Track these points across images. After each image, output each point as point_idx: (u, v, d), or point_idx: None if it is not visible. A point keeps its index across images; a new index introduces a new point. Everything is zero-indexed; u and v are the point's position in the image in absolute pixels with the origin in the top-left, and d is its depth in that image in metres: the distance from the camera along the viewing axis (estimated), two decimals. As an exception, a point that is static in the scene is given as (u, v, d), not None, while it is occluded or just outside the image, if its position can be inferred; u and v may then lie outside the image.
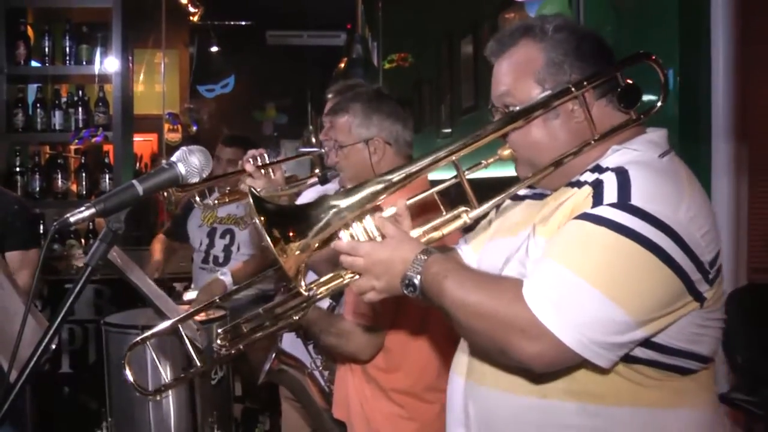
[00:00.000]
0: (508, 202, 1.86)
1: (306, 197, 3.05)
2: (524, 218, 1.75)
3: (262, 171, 2.68)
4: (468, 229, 1.86)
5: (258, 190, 2.56)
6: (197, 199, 2.88)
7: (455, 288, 1.54)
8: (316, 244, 1.62)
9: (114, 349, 3.56)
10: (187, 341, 2.09)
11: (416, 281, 1.58)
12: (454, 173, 1.70)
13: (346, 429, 2.53)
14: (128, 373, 1.94)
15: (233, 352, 1.87)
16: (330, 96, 3.07)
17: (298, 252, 1.58)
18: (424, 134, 7.23)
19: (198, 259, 4.56)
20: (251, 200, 1.59)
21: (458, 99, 6.19)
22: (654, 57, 1.78)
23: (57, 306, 1.44)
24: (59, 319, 1.42)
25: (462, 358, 1.78)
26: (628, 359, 1.53)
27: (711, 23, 2.98)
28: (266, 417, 4.68)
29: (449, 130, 6.53)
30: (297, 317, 1.83)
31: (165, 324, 2.05)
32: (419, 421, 2.43)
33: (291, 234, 1.57)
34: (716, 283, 1.56)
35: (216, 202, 2.97)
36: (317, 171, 2.96)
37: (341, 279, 1.69)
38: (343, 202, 1.63)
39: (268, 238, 1.54)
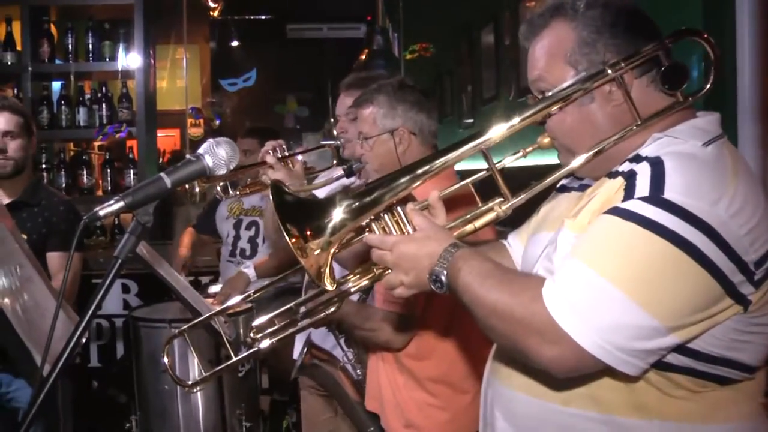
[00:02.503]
0: (556, 193, 1.80)
1: (324, 192, 3.05)
2: (566, 210, 1.65)
3: (282, 163, 2.70)
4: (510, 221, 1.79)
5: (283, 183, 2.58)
6: (219, 191, 2.90)
7: (477, 285, 1.48)
8: (338, 242, 1.57)
9: (142, 342, 3.60)
10: (224, 335, 2.10)
11: (443, 277, 1.52)
12: (495, 161, 1.65)
13: (380, 421, 2.54)
14: (167, 363, 1.94)
15: (267, 347, 1.85)
16: (342, 91, 3.07)
17: (318, 251, 1.54)
18: (445, 124, 7.22)
19: (225, 252, 4.58)
20: (272, 197, 1.57)
21: (479, 89, 6.16)
22: (704, 34, 1.63)
23: (85, 300, 1.45)
24: (90, 313, 1.43)
25: (492, 353, 1.75)
26: (660, 366, 1.43)
27: (736, 4, 2.94)
28: (293, 409, 4.69)
29: (471, 120, 6.51)
30: (329, 312, 1.82)
31: (201, 318, 2.06)
32: (451, 411, 2.43)
33: (309, 233, 1.53)
34: (765, 284, 1.41)
35: (237, 193, 2.99)
36: (335, 162, 2.97)
37: (372, 273, 1.67)
38: (360, 199, 1.58)
39: (288, 238, 1.51)
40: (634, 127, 1.54)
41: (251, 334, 1.83)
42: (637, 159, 1.48)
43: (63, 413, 2.95)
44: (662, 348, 1.38)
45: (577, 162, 1.59)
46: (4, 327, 1.85)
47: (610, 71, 1.53)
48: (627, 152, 1.53)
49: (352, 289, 1.71)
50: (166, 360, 2.04)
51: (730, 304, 1.39)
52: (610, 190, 1.49)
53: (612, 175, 1.53)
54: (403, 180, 1.60)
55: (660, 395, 1.46)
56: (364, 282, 1.68)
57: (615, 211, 1.40)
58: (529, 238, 1.80)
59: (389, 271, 1.60)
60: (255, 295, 2.10)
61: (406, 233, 1.60)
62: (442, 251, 1.53)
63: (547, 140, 1.65)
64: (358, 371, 2.75)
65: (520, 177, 1.66)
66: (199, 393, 3.37)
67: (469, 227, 1.63)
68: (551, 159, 1.71)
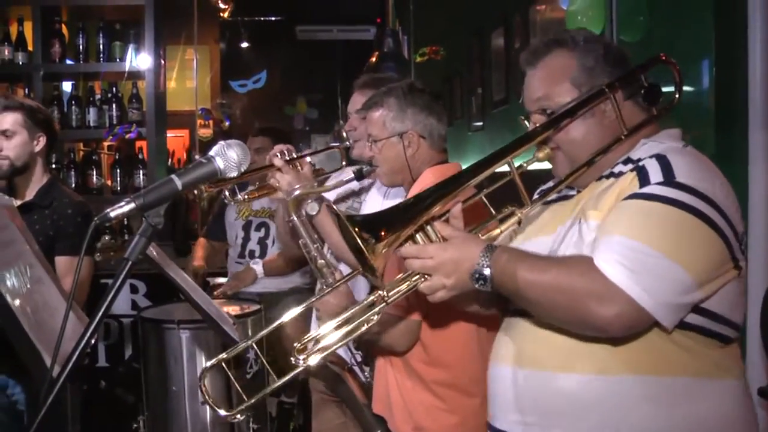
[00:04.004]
0: (534, 205, 1.95)
1: (333, 194, 3.04)
2: (556, 216, 1.90)
3: (290, 165, 2.70)
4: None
5: (287, 186, 2.60)
6: (227, 194, 2.89)
7: (528, 271, 1.67)
8: (398, 243, 1.72)
9: (150, 343, 3.61)
10: (263, 360, 2.14)
11: (486, 273, 1.69)
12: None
13: (387, 424, 2.54)
14: (206, 394, 1.93)
15: (312, 365, 1.83)
16: (356, 89, 3.06)
17: (385, 250, 1.68)
18: (455, 127, 7.21)
19: (234, 253, 4.58)
20: (339, 221, 1.71)
21: (489, 92, 6.14)
22: (665, 57, 1.98)
23: (93, 301, 1.45)
24: (100, 314, 1.43)
25: (506, 347, 1.88)
26: (682, 325, 1.67)
27: (748, 13, 2.93)
28: (300, 411, 4.70)
29: (480, 123, 6.49)
30: (371, 324, 1.83)
31: (242, 344, 2.04)
32: (460, 414, 2.43)
33: (383, 233, 1.67)
34: (744, 255, 1.74)
35: (246, 197, 2.98)
36: (344, 163, 2.97)
37: (410, 281, 1.77)
38: (422, 203, 1.73)
39: (360, 241, 1.64)
40: (622, 137, 1.84)
41: (296, 353, 1.81)
42: (631, 161, 1.78)
43: (71, 414, 2.95)
44: (692, 302, 1.65)
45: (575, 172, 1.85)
46: (14, 327, 1.85)
47: (608, 91, 1.83)
48: (613, 159, 1.84)
49: (393, 298, 1.78)
50: (203, 392, 1.99)
51: (731, 267, 1.69)
52: (623, 182, 1.74)
53: (614, 174, 1.80)
54: (450, 188, 1.77)
55: (680, 353, 1.69)
56: (403, 291, 1.78)
57: (637, 196, 1.68)
58: (521, 244, 1.93)
59: (425, 277, 1.74)
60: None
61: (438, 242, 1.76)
62: (481, 251, 1.71)
63: (542, 154, 1.88)
64: (365, 373, 2.75)
65: (509, 184, 1.84)
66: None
67: (496, 231, 1.80)
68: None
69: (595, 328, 1.65)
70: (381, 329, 2.41)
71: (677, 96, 1.98)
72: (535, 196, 1.97)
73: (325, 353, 1.84)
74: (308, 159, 2.81)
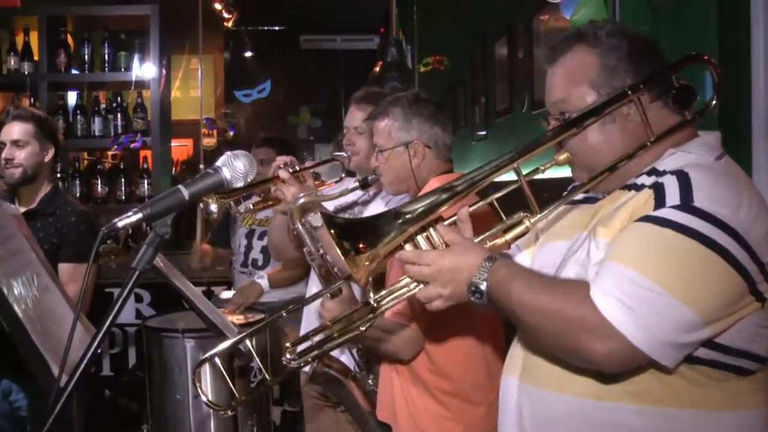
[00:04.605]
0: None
1: (337, 203, 3.06)
2: (577, 221, 1.77)
3: (293, 177, 2.71)
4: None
5: (291, 198, 2.60)
6: (232, 204, 2.90)
7: (523, 291, 1.57)
8: (384, 255, 1.64)
9: (154, 352, 3.61)
10: (255, 356, 2.09)
11: (482, 287, 1.60)
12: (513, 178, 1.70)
13: (392, 431, 2.54)
14: (200, 390, 1.92)
15: (302, 365, 1.84)
16: (353, 104, 3.08)
17: (367, 263, 1.61)
18: (458, 136, 7.21)
19: (237, 262, 4.58)
20: (323, 220, 1.64)
21: (493, 101, 6.16)
22: (707, 58, 1.79)
23: (99, 310, 1.46)
24: (108, 323, 1.44)
25: (516, 360, 1.79)
26: (690, 360, 1.55)
27: (751, 22, 2.94)
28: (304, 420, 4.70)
29: (484, 132, 6.50)
30: (363, 328, 1.80)
31: (234, 339, 2.03)
32: (464, 422, 2.43)
33: (361, 246, 1.60)
34: None
35: (252, 207, 3.00)
36: (343, 175, 2.98)
37: (407, 288, 1.71)
38: (410, 213, 1.65)
39: (339, 252, 1.58)
40: (648, 144, 1.66)
41: (287, 354, 1.81)
42: (656, 172, 1.62)
43: (76, 424, 2.96)
44: (698, 341, 1.52)
45: (594, 178, 1.70)
46: (22, 335, 1.86)
47: (630, 93, 1.65)
48: (638, 167, 1.67)
49: (389, 305, 1.73)
50: (198, 388, 1.99)
51: (752, 301, 1.53)
52: (638, 201, 1.60)
53: (635, 187, 1.65)
54: (444, 196, 1.67)
55: (688, 385, 1.57)
56: (400, 298, 1.73)
57: (649, 219, 1.53)
58: (539, 248, 1.87)
59: (422, 285, 1.67)
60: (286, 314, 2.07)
61: (438, 249, 1.67)
62: (480, 262, 1.61)
63: (562, 157, 1.73)
64: (369, 381, 2.75)
65: (533, 190, 1.71)
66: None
67: (500, 240, 1.70)
68: (559, 173, 1.78)
69: (586, 362, 1.55)
70: (385, 338, 2.42)
71: (715, 98, 1.78)
72: (567, 192, 1.79)
73: (316, 357, 1.84)
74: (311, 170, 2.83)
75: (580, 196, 1.81)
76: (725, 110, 3.00)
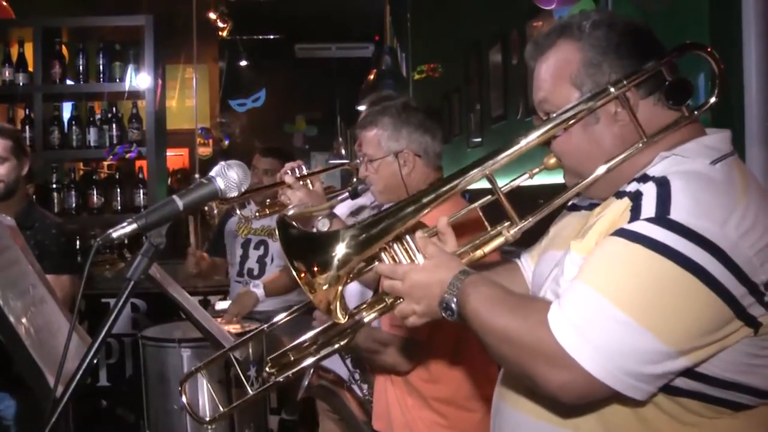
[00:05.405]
0: (566, 212, 1.78)
1: (339, 211, 3.06)
2: (571, 231, 1.65)
3: (301, 182, 2.70)
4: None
5: (298, 203, 2.59)
6: (237, 209, 2.92)
7: (485, 312, 1.44)
8: (347, 275, 1.55)
9: (151, 362, 3.61)
10: (238, 370, 2.10)
11: (453, 305, 1.49)
12: (501, 184, 1.62)
13: (387, 441, 2.54)
14: (185, 402, 1.92)
15: (283, 380, 1.82)
16: (363, 108, 3.09)
17: (326, 286, 1.52)
18: (454, 143, 7.23)
19: (233, 272, 4.58)
20: (278, 233, 1.57)
21: (488, 108, 6.18)
22: (708, 48, 1.59)
23: (95, 321, 1.46)
24: (103, 334, 1.44)
25: (505, 374, 1.71)
26: (670, 391, 1.39)
27: (743, 25, 2.95)
28: (302, 429, 4.69)
29: (479, 139, 6.52)
30: (343, 343, 1.78)
31: (219, 352, 2.04)
32: (460, 429, 2.44)
33: (316, 269, 1.51)
34: None
35: (257, 214, 3.00)
36: (355, 181, 2.98)
37: (384, 303, 1.65)
38: (366, 231, 1.55)
39: (296, 274, 1.50)
40: (640, 145, 1.51)
41: (267, 368, 1.81)
42: (644, 179, 1.45)
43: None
44: (671, 372, 1.34)
45: (584, 183, 1.57)
46: (18, 347, 1.86)
47: (612, 89, 1.50)
48: (634, 171, 1.51)
49: (365, 320, 1.68)
50: (184, 399, 2.00)
51: (740, 327, 1.34)
52: (616, 211, 1.46)
53: (619, 194, 1.50)
54: (409, 210, 1.57)
55: (670, 421, 1.42)
56: (376, 312, 1.67)
57: (621, 233, 1.36)
58: (539, 257, 1.78)
59: (401, 300, 1.58)
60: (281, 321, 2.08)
61: (416, 262, 1.58)
62: (451, 279, 1.50)
63: (552, 161, 1.62)
64: (364, 391, 2.75)
65: (527, 196, 1.65)
66: (208, 412, 3.37)
67: (479, 252, 1.61)
68: (558, 178, 1.71)
69: (544, 392, 1.39)
70: (384, 351, 2.42)
71: (716, 92, 1.59)
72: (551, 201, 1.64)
73: (291, 371, 1.80)
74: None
75: (584, 201, 1.70)
76: (717, 112, 3.02)
